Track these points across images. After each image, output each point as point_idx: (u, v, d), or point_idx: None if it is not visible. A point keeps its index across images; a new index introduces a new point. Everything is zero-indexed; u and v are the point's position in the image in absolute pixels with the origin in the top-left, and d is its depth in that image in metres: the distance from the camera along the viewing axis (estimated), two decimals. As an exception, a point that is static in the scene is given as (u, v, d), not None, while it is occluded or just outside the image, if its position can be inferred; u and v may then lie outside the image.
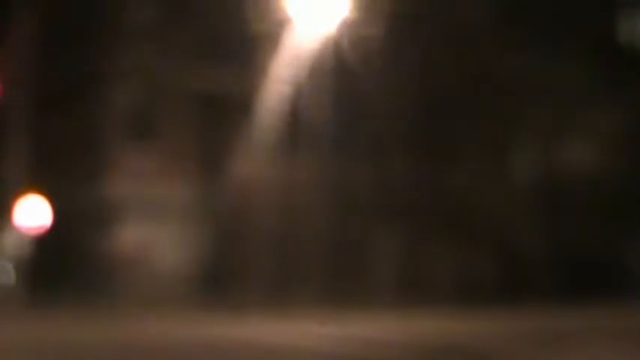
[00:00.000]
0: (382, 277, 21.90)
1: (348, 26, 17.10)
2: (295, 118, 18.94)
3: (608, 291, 19.48)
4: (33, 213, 18.88)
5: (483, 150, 23.57)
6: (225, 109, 20.15)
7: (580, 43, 22.12)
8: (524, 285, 19.86)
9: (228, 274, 20.05)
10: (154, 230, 20.13)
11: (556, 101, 20.83)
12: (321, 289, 17.23)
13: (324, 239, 19.47)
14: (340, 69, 18.58)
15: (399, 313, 13.95)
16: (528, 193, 21.62)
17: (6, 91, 21.32)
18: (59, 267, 21.17)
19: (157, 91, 19.04)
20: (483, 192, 21.66)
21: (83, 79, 20.70)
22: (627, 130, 20.98)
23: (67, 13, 21.88)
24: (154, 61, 19.87)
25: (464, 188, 22.10)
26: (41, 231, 20.57)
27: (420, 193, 22.51)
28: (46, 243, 20.48)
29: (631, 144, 21.41)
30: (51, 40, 19.87)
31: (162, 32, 20.53)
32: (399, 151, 23.28)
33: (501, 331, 10.84)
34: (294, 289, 16.80)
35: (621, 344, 8.80)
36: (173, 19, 20.25)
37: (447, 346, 9.18)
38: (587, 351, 8.58)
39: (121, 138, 20.05)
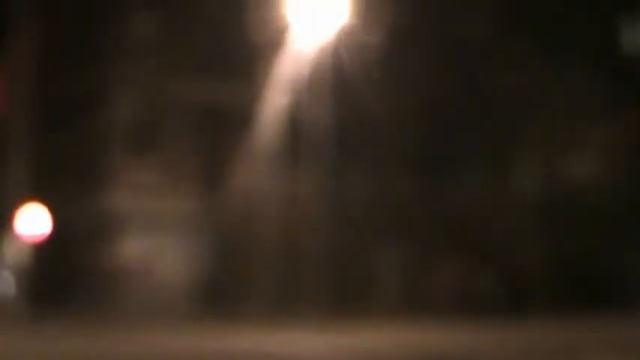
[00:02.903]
0: (384, 289, 21.97)
1: (348, 35, 17.16)
2: (296, 129, 19.02)
3: (609, 303, 19.55)
4: (33, 222, 18.95)
5: (485, 163, 23.69)
6: (226, 122, 20.25)
7: (580, 56, 22.27)
8: (527, 298, 19.93)
9: (229, 286, 20.10)
10: (156, 242, 20.20)
11: (556, 115, 20.95)
12: (323, 301, 17.24)
13: (326, 251, 19.55)
14: (341, 79, 18.66)
15: (401, 326, 13.94)
16: (529, 207, 21.69)
17: (8, 103, 21.43)
18: (60, 279, 21.30)
19: (158, 104, 19.15)
20: (484, 206, 21.77)
21: (85, 92, 20.84)
22: (628, 143, 21.08)
23: (68, 27, 22.05)
24: (155, 74, 20.00)
25: (465, 202, 22.22)
26: (42, 241, 20.71)
27: (421, 206, 22.61)
28: (47, 255, 20.58)
29: (631, 158, 21.49)
30: (53, 52, 20.00)
31: (163, 45, 20.66)
32: (400, 164, 23.37)
33: (502, 343, 10.84)
34: (296, 301, 16.82)
35: (624, 357, 8.80)
36: (173, 33, 20.37)
37: (446, 357, 9.20)
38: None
39: (123, 150, 20.13)
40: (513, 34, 23.57)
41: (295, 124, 18.59)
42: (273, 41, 16.71)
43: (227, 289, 20.12)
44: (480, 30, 23.80)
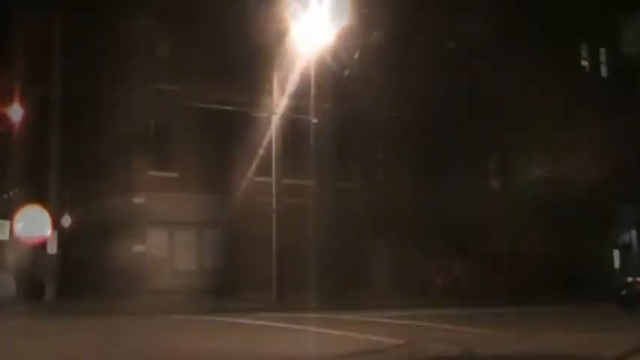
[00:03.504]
0: (379, 282, 22.30)
1: (347, 37, 17.34)
2: (299, 131, 19.25)
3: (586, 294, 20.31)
4: (33, 224, 19.14)
5: (476, 165, 24.08)
6: (232, 124, 20.52)
7: (548, 70, 22.87)
8: (517, 290, 20.62)
9: (236, 282, 20.37)
10: (166, 241, 20.49)
11: (547, 120, 21.36)
12: (323, 293, 17.51)
13: (326, 247, 19.85)
14: (340, 80, 18.91)
15: (394, 315, 14.12)
16: (519, 206, 22.07)
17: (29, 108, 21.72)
18: (76, 278, 21.74)
19: (169, 109, 19.43)
20: (475, 204, 22.14)
21: (100, 98, 21.30)
22: (613, 147, 21.63)
23: (83, 38, 22.48)
24: (166, 81, 20.36)
25: (457, 201, 22.61)
26: (54, 242, 21.19)
27: (417, 204, 22.93)
28: (63, 254, 20.94)
29: (614, 161, 22.08)
30: (71, 61, 20.42)
31: (173, 53, 20.98)
32: (399, 164, 23.68)
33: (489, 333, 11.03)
34: (297, 296, 17.04)
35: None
36: (182, 41, 20.68)
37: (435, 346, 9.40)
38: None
39: (137, 150, 20.40)
40: (507, 42, 24.16)
41: (299, 125, 18.81)
42: (275, 44, 16.88)
43: (235, 283, 20.48)
44: (475, 39, 24.42)
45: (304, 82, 17.28)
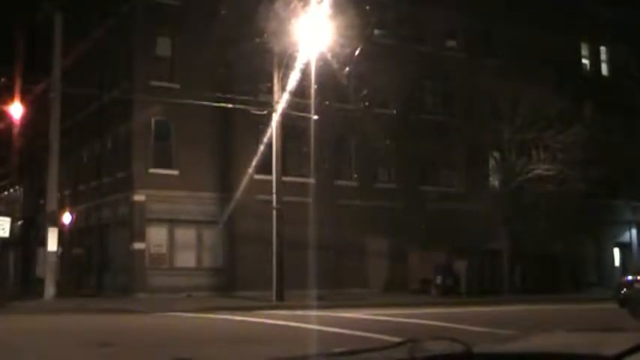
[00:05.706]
0: (378, 281, 22.33)
1: (348, 37, 17.33)
2: (300, 128, 19.25)
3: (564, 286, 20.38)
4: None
5: (476, 164, 24.13)
6: (232, 122, 20.51)
7: (548, 70, 23.05)
8: (494, 282, 20.82)
9: (236, 280, 20.39)
10: (166, 239, 20.50)
11: (546, 119, 21.49)
12: (324, 294, 17.56)
13: (327, 248, 19.87)
14: (340, 80, 18.89)
15: (395, 315, 14.21)
16: (519, 206, 22.14)
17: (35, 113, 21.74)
18: (76, 276, 21.77)
19: (169, 106, 19.45)
20: (475, 203, 22.17)
21: (101, 96, 21.33)
22: (586, 147, 21.88)
23: (84, 36, 22.49)
24: (167, 79, 20.37)
25: (457, 201, 22.66)
26: (77, 231, 21.20)
27: (417, 205, 22.98)
28: (63, 252, 20.94)
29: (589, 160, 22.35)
30: (71, 59, 20.44)
31: (173, 51, 20.99)
32: (399, 162, 23.72)
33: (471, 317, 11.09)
34: (297, 294, 17.08)
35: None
36: (183, 39, 20.70)
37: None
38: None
39: (136, 150, 20.43)
40: (490, 49, 24.39)
41: (296, 123, 18.80)
42: (275, 41, 16.86)
43: (233, 279, 20.50)
44: (458, 46, 24.57)
45: (305, 79, 17.23)
